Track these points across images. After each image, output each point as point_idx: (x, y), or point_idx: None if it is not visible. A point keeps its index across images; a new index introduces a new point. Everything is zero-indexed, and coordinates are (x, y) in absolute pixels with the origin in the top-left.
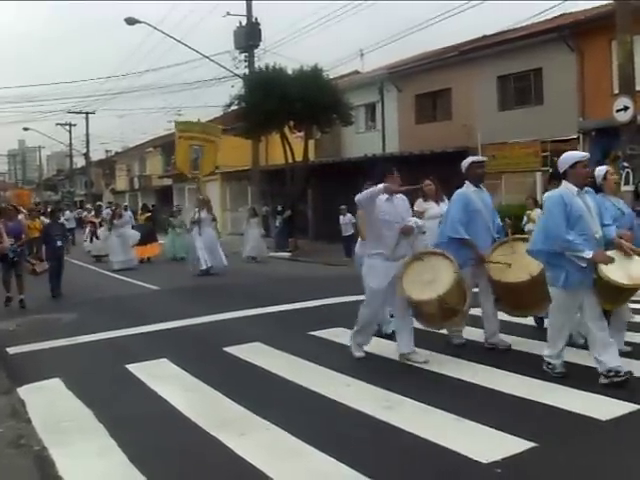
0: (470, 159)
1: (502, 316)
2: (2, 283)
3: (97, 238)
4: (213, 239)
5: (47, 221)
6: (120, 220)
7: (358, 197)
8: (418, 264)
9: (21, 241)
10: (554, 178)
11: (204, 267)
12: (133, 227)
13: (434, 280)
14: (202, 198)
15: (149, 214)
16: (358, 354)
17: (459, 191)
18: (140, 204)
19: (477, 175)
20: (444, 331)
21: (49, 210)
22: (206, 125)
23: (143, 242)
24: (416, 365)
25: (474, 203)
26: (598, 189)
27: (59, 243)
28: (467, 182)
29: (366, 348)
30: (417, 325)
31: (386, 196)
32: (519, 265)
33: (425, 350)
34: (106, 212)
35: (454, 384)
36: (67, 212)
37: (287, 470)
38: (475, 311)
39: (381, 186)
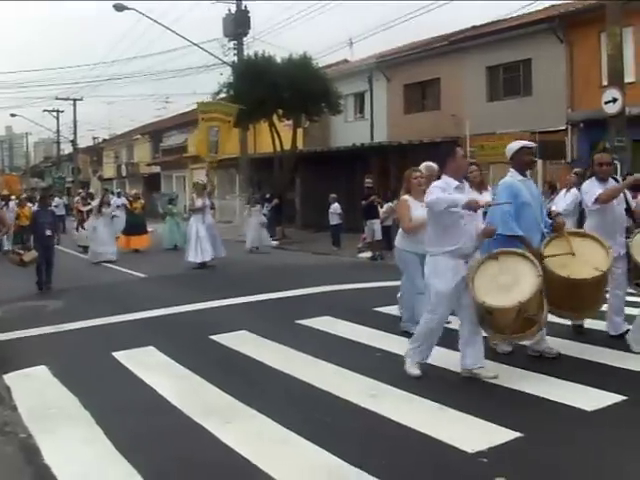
0: (519, 144)
1: None
2: None
3: (83, 228)
4: (214, 228)
5: (35, 208)
6: (108, 208)
7: (430, 202)
8: (492, 264)
9: None
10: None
11: (199, 260)
12: (127, 216)
13: (513, 284)
14: (207, 183)
15: (143, 202)
16: (415, 372)
17: (505, 180)
18: (132, 191)
19: (526, 163)
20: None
21: (39, 196)
22: (224, 105)
23: (134, 232)
24: (403, 356)
25: (523, 194)
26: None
27: (48, 232)
28: (512, 170)
29: (353, 337)
30: (392, 312)
31: (455, 184)
32: (581, 261)
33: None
34: (114, 201)
35: (439, 374)
36: (56, 199)
37: (273, 458)
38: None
39: (462, 201)
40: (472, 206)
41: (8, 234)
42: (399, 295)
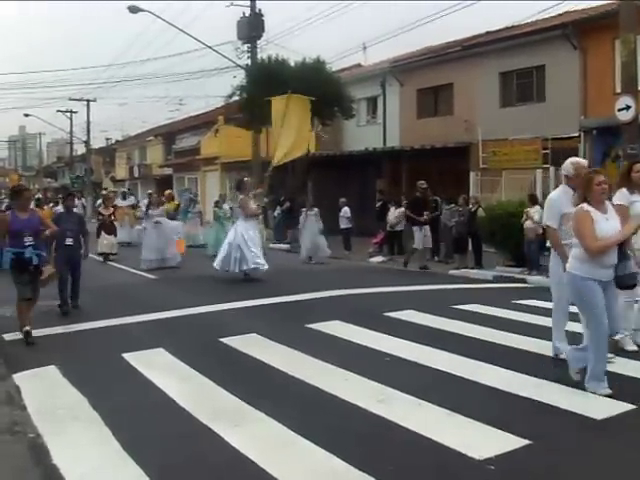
0: None
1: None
2: (17, 308)
3: (107, 233)
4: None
5: (58, 209)
6: (157, 210)
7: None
8: None
9: (44, 236)
10: None
11: (239, 269)
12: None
13: None
14: (260, 184)
15: (178, 203)
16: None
17: None
18: (166, 192)
19: None
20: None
21: (62, 196)
22: (297, 98)
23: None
24: (412, 361)
25: None
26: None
27: (69, 241)
28: None
29: (363, 342)
30: (402, 317)
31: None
32: None
33: (424, 345)
34: (143, 203)
35: (449, 379)
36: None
37: (280, 462)
38: None
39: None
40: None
41: None
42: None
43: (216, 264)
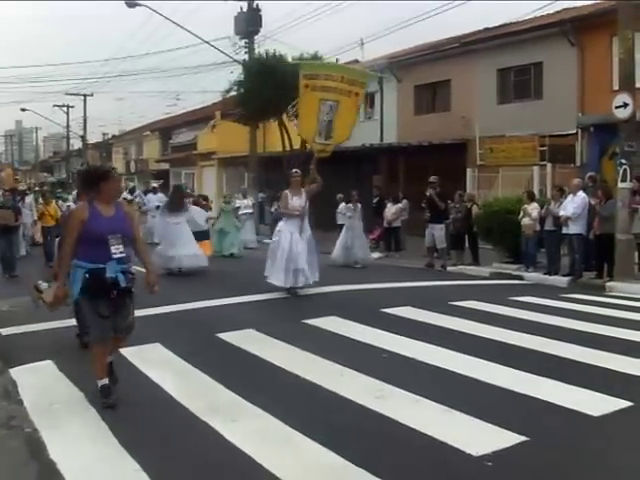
0: None
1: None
2: (98, 342)
3: None
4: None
5: (67, 204)
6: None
7: None
8: None
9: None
10: None
11: (289, 284)
12: None
13: None
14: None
15: (205, 202)
16: None
17: None
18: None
19: None
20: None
21: (75, 192)
22: (347, 69)
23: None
24: (410, 357)
25: None
26: None
27: None
28: None
29: (360, 338)
30: (399, 313)
31: None
32: None
33: (421, 342)
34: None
35: (446, 376)
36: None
37: (277, 457)
38: None
39: None
40: None
41: (25, 236)
42: None
43: (274, 279)
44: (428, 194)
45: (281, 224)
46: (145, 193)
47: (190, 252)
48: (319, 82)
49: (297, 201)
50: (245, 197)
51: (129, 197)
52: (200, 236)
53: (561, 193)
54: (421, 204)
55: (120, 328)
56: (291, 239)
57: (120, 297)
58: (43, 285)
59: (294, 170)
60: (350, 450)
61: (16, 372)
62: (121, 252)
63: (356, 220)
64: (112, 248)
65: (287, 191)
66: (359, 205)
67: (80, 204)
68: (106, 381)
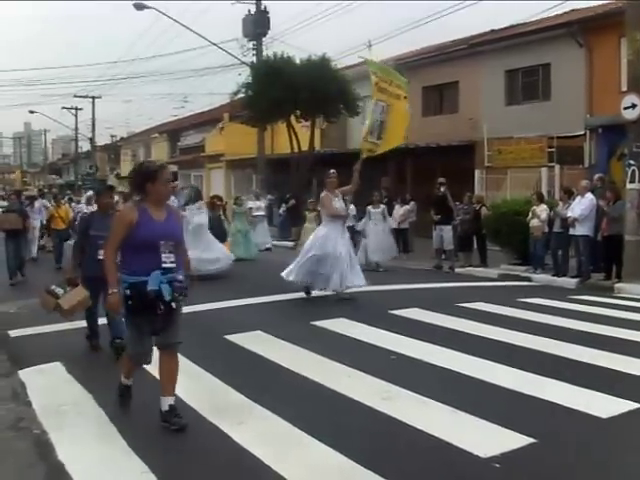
0: None
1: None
2: (133, 362)
3: None
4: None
5: (80, 207)
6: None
7: None
8: None
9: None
10: None
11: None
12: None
13: None
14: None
15: (220, 203)
16: None
17: None
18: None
19: None
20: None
21: (95, 193)
22: (393, 73)
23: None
24: (417, 359)
25: None
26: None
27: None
28: None
29: (368, 340)
30: (407, 315)
31: None
32: None
33: (429, 343)
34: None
35: (454, 377)
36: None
37: (285, 459)
38: None
39: None
40: None
41: (33, 237)
42: None
43: (294, 277)
44: (441, 193)
45: (323, 228)
46: None
47: (212, 256)
48: (382, 84)
49: (338, 202)
50: (258, 199)
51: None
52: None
53: (569, 195)
54: (430, 204)
55: (166, 344)
56: (335, 243)
57: (168, 311)
58: (58, 290)
59: (331, 171)
60: (357, 451)
61: (25, 374)
62: (172, 261)
63: (380, 221)
64: (162, 256)
65: (326, 192)
66: (382, 206)
67: (128, 205)
68: (129, 382)
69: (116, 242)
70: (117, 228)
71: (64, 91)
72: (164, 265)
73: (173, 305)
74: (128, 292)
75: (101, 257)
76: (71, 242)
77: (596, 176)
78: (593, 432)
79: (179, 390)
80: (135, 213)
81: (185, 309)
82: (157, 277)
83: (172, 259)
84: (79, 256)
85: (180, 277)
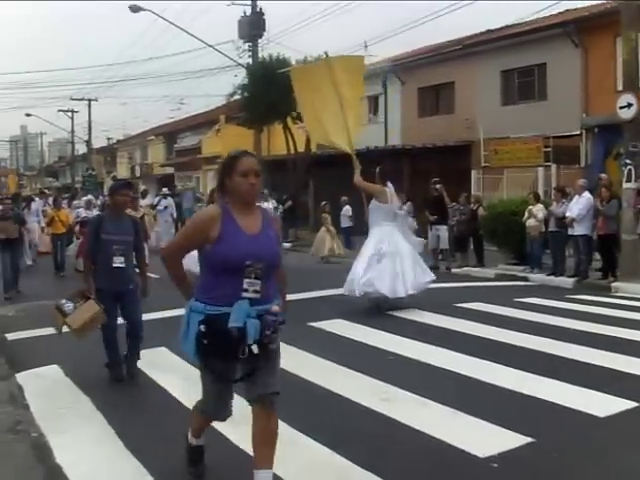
0: None
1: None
2: (204, 417)
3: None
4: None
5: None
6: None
7: None
8: None
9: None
10: None
11: (399, 294)
12: None
13: None
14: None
15: None
16: None
17: None
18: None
19: None
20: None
21: (108, 193)
22: (343, 59)
23: None
24: (415, 359)
25: None
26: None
27: (118, 262)
28: None
29: (366, 340)
30: (405, 315)
31: None
32: None
33: (426, 344)
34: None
35: (452, 378)
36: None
37: (282, 459)
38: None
39: None
40: None
41: (32, 246)
42: None
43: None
44: (437, 193)
45: (383, 228)
46: (144, 196)
47: None
48: (311, 83)
49: (395, 200)
50: (267, 201)
51: (154, 202)
52: None
53: (562, 194)
54: (426, 205)
55: (257, 395)
56: (398, 243)
57: (255, 356)
58: (68, 306)
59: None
60: (356, 452)
61: (22, 377)
62: (256, 291)
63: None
64: (245, 282)
65: (381, 187)
66: (404, 206)
67: (212, 207)
68: (200, 442)
69: (184, 250)
70: (189, 235)
71: (60, 94)
72: (245, 294)
73: (255, 348)
74: (202, 328)
75: (116, 265)
76: (72, 247)
77: (602, 175)
78: (590, 431)
79: (176, 391)
80: (218, 221)
81: (181, 311)
82: (243, 309)
83: (256, 287)
84: (91, 263)
85: (275, 308)
